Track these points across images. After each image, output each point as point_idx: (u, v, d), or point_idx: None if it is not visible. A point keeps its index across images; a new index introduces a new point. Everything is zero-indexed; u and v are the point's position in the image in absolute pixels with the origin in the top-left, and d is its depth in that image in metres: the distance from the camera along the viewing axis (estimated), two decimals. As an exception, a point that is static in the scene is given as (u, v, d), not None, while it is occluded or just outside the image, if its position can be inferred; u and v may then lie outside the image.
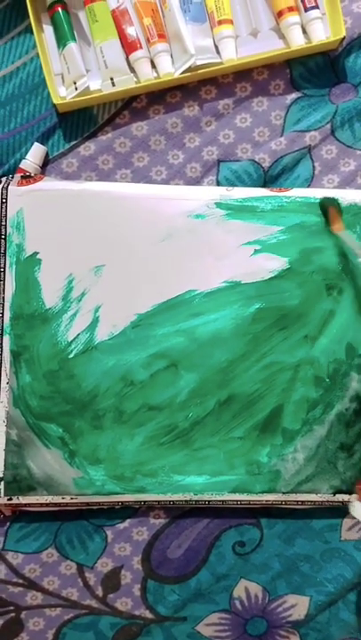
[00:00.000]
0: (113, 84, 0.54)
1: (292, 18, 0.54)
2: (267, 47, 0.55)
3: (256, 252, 0.53)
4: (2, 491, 0.53)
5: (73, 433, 0.53)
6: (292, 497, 0.54)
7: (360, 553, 0.56)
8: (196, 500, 0.54)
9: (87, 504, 0.54)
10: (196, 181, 0.56)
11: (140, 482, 0.53)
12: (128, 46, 0.54)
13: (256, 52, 0.55)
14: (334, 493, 0.54)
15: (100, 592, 0.56)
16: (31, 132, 0.56)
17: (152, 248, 0.53)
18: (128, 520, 0.56)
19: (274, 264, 0.53)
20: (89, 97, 0.54)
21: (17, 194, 0.53)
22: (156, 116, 0.56)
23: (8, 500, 0.53)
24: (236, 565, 0.56)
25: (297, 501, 0.54)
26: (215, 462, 0.54)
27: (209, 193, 0.54)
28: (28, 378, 0.53)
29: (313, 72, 0.56)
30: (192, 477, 0.54)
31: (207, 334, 0.53)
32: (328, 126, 0.56)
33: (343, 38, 0.54)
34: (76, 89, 0.54)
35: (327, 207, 0.53)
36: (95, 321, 0.53)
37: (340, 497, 0.54)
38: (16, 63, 0.55)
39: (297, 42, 0.54)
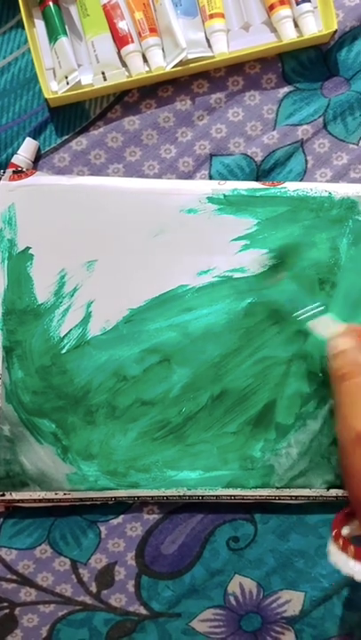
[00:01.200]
0: (104, 79, 0.54)
1: (284, 11, 0.53)
2: (258, 41, 0.55)
3: (247, 246, 0.53)
4: (-6, 486, 0.53)
5: (66, 428, 0.53)
6: (286, 492, 0.54)
7: (355, 548, 0.56)
8: (189, 496, 0.54)
9: (80, 500, 0.54)
10: (189, 176, 0.56)
11: (134, 477, 0.53)
12: (119, 40, 0.54)
13: (248, 46, 0.54)
14: (328, 488, 0.54)
15: (93, 588, 0.56)
16: (23, 126, 0.55)
17: (144, 243, 0.53)
18: (122, 516, 0.56)
19: (265, 258, 0.53)
20: (80, 91, 0.54)
21: (8, 189, 0.53)
22: (148, 111, 0.56)
23: (1, 495, 0.53)
24: (230, 561, 0.56)
25: (291, 496, 0.54)
26: (209, 457, 0.53)
27: (201, 187, 0.53)
28: (21, 373, 0.53)
29: (305, 66, 0.56)
30: (185, 472, 0.53)
31: (200, 329, 0.53)
32: (320, 120, 0.56)
33: (335, 31, 0.54)
34: (68, 83, 0.54)
35: None
36: (88, 316, 0.53)
37: (333, 492, 0.54)
38: (7, 58, 0.55)
39: (289, 35, 0.54)
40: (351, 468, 0.43)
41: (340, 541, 0.45)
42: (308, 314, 0.49)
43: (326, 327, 0.48)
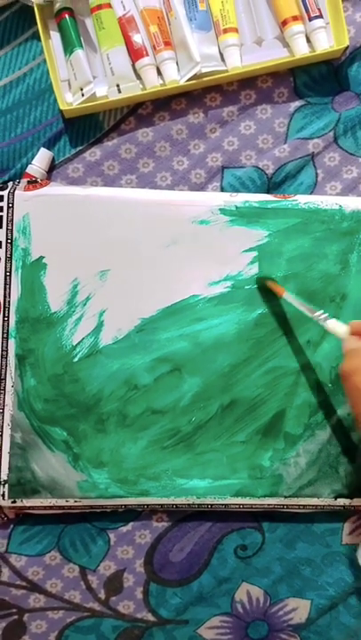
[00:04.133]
0: (119, 91, 0.55)
1: (297, 27, 0.54)
2: (271, 55, 0.56)
3: (259, 257, 0.54)
4: (6, 493, 0.53)
5: (77, 436, 0.53)
6: (294, 501, 0.54)
7: (361, 557, 0.57)
8: (198, 504, 0.54)
9: (91, 507, 0.54)
10: (201, 187, 0.57)
11: (144, 485, 0.54)
12: (134, 53, 0.55)
13: (260, 61, 0.55)
14: (336, 497, 0.54)
15: (102, 595, 0.57)
16: (37, 137, 0.56)
17: (157, 253, 0.54)
18: (131, 523, 0.56)
19: (276, 270, 0.54)
20: (95, 103, 0.54)
21: (23, 199, 0.53)
22: (162, 123, 0.56)
23: (12, 502, 0.53)
24: (237, 569, 0.57)
25: (299, 505, 0.55)
26: (218, 466, 0.54)
27: (213, 199, 0.54)
28: (33, 381, 0.53)
29: (316, 80, 0.56)
30: (195, 481, 0.54)
31: (210, 339, 0.54)
32: (331, 134, 0.56)
33: (346, 47, 0.55)
34: (83, 95, 0.54)
35: (264, 283, 0.53)
36: (100, 325, 0.54)
37: (341, 501, 0.54)
38: (23, 69, 0.56)
39: (301, 50, 0.55)
40: None
41: None
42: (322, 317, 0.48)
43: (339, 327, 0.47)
